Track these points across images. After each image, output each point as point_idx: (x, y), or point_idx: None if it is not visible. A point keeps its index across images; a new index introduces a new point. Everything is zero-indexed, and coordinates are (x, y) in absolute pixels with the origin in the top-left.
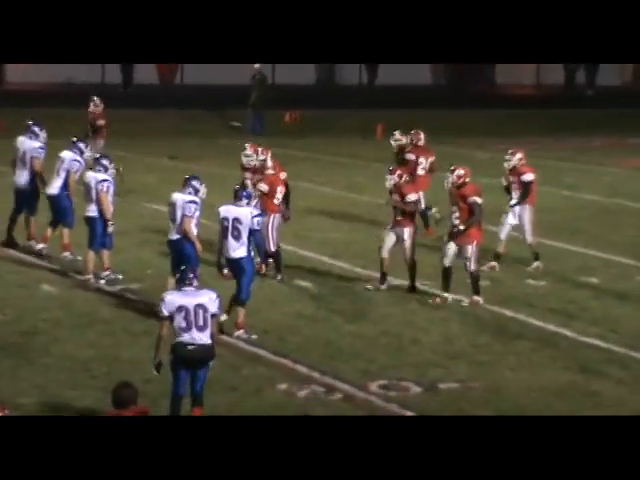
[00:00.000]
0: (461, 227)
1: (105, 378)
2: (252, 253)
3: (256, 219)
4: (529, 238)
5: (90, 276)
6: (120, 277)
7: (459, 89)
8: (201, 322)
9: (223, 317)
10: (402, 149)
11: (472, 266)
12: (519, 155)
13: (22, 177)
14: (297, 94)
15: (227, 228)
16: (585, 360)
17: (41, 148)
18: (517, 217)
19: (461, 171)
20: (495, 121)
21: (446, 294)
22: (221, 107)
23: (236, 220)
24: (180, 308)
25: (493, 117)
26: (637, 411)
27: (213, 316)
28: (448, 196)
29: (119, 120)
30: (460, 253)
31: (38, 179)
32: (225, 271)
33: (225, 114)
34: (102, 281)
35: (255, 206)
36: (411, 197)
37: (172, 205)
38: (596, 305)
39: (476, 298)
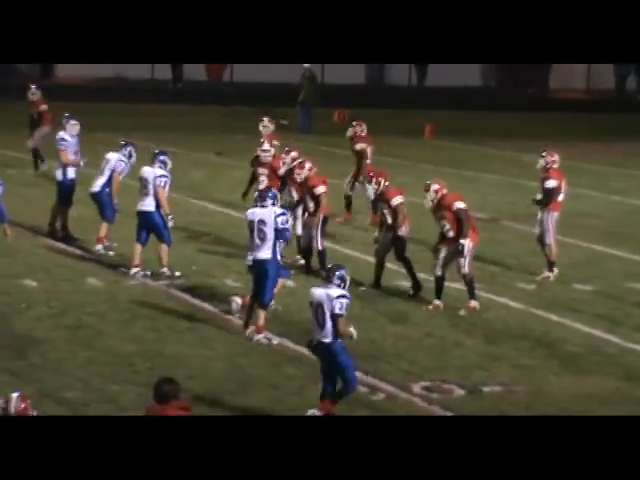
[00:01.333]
0: (462, 241)
1: (148, 373)
2: (279, 256)
3: (280, 218)
4: (548, 242)
5: (137, 269)
6: (178, 274)
7: (509, 91)
8: (321, 320)
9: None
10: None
11: (466, 268)
12: (552, 157)
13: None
14: (346, 93)
15: (252, 230)
16: (630, 367)
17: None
18: (538, 222)
19: (436, 186)
20: (544, 124)
21: (438, 301)
22: (268, 105)
23: (261, 222)
24: (310, 304)
25: (543, 120)
26: None
27: (333, 315)
28: (432, 215)
29: (167, 115)
30: (454, 254)
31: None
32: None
33: (272, 112)
34: (164, 278)
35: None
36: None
37: (143, 179)
38: None
39: (473, 303)
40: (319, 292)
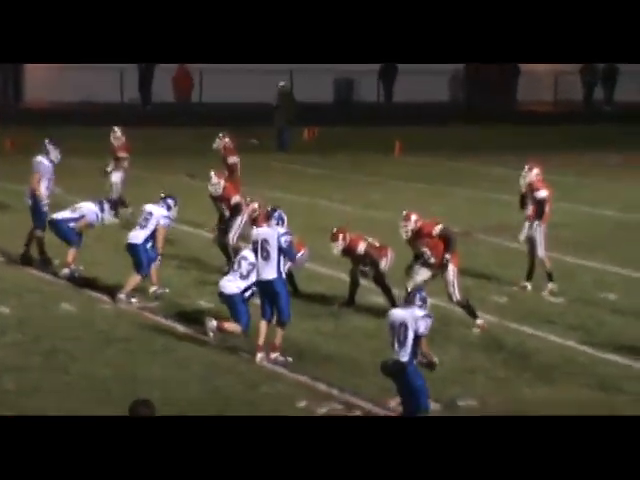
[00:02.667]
0: (447, 256)
1: (123, 397)
2: (283, 274)
3: (283, 238)
4: (541, 254)
5: (123, 296)
6: (166, 290)
7: (477, 105)
8: (402, 339)
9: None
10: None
11: (457, 294)
12: (536, 170)
13: None
14: (315, 111)
15: (257, 250)
16: (604, 376)
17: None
18: (527, 236)
19: (415, 216)
20: (513, 137)
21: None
22: (237, 125)
23: (264, 241)
24: (391, 324)
25: (511, 133)
26: None
27: (417, 335)
28: (410, 245)
29: (137, 138)
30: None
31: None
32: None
33: (241, 131)
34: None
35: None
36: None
37: (146, 213)
38: (614, 321)
39: (479, 322)
40: (402, 312)
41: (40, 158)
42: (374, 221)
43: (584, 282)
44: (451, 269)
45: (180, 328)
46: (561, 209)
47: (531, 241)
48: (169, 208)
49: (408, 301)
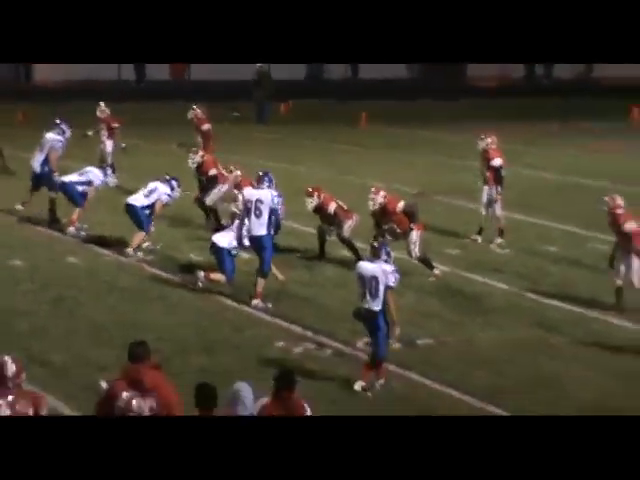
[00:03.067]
0: (412, 226)
1: (122, 338)
2: (272, 231)
3: (276, 199)
4: (499, 213)
5: (131, 250)
6: (158, 247)
7: (432, 81)
8: (374, 291)
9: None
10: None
11: (417, 252)
12: (490, 139)
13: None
14: (289, 88)
15: (250, 209)
16: (545, 319)
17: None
18: (485, 197)
19: (383, 192)
20: (465, 109)
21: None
22: (221, 100)
23: (258, 201)
24: (361, 276)
25: (462, 105)
26: (591, 364)
27: (387, 287)
28: (374, 218)
29: (134, 112)
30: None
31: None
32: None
33: (225, 105)
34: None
35: None
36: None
37: (151, 188)
38: (555, 270)
39: (436, 272)
40: (372, 266)
41: (55, 136)
42: (343, 183)
43: (528, 236)
44: (415, 233)
45: (174, 278)
46: (508, 172)
47: (490, 202)
48: (172, 189)
49: (374, 255)
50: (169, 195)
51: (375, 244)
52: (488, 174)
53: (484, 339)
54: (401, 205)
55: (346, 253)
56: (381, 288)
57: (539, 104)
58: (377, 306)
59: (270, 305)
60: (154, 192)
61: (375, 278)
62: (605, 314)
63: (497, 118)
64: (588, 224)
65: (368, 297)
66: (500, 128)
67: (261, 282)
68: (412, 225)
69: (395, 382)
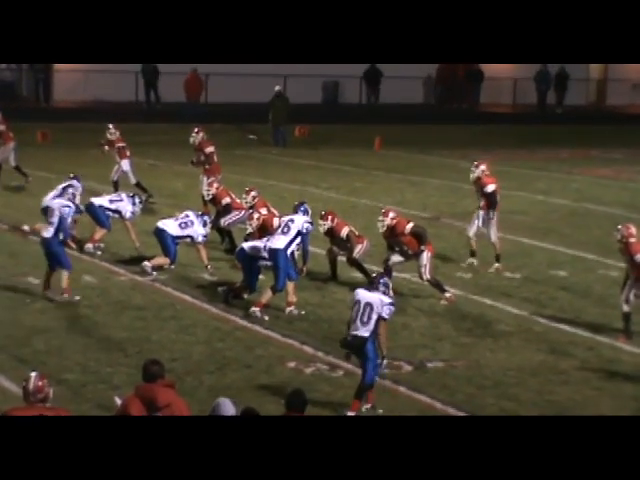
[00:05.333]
0: (422, 247)
1: (137, 357)
2: (289, 250)
3: (306, 225)
4: (494, 238)
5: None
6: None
7: (447, 107)
8: (366, 318)
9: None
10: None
11: (427, 275)
12: (483, 167)
13: None
14: (305, 111)
15: (279, 225)
16: (555, 343)
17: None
18: (482, 222)
19: (393, 213)
20: (477, 135)
21: None
22: (238, 122)
23: (290, 220)
24: (357, 302)
25: (475, 132)
26: (600, 387)
27: (380, 317)
28: (385, 239)
29: (151, 133)
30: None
31: None
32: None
33: (242, 128)
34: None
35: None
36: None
37: (189, 220)
38: (564, 295)
39: (448, 295)
40: (370, 294)
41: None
42: (356, 205)
43: (538, 261)
44: (425, 255)
45: (187, 298)
46: (519, 198)
47: (487, 227)
48: (205, 225)
49: (372, 285)
50: (204, 236)
51: (374, 275)
52: (483, 201)
53: (494, 362)
54: (409, 227)
55: (357, 275)
56: (374, 317)
57: (551, 131)
58: (366, 332)
59: (267, 318)
60: (189, 227)
61: (370, 305)
62: (615, 340)
63: (507, 144)
64: (599, 250)
65: (358, 323)
66: (509, 154)
67: (268, 294)
68: (422, 247)
69: (381, 408)
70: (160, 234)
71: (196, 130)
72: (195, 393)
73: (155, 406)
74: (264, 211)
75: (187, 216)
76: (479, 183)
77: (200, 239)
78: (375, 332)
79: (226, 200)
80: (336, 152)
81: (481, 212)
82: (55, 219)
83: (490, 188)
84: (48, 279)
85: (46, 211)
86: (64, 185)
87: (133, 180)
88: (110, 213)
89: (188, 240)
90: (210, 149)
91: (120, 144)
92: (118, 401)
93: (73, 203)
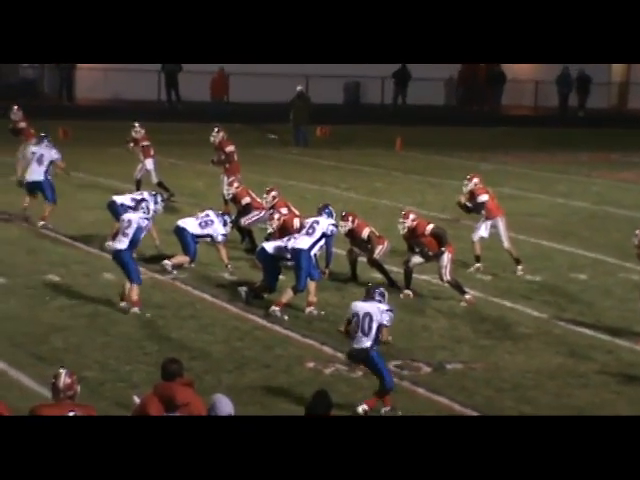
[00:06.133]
0: (443, 249)
1: (156, 355)
2: (313, 251)
3: (331, 227)
4: (506, 244)
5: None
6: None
7: (468, 108)
8: (367, 328)
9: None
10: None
11: (447, 276)
12: (475, 180)
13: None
14: (327, 112)
15: (304, 226)
16: (574, 346)
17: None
18: (489, 230)
19: (413, 215)
20: (498, 137)
21: (407, 290)
22: (259, 122)
23: (315, 222)
24: (355, 315)
25: (496, 134)
26: (619, 391)
27: (381, 325)
28: (406, 241)
29: (173, 132)
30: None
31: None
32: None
33: (263, 127)
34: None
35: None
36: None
37: (209, 220)
38: (584, 298)
39: (467, 297)
40: (367, 305)
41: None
42: (376, 206)
43: (558, 264)
44: (446, 256)
45: (206, 297)
46: (539, 200)
47: (499, 236)
48: (225, 224)
49: (368, 296)
50: (224, 235)
51: (370, 285)
52: (483, 211)
53: (513, 365)
54: (429, 228)
55: (377, 275)
56: (374, 326)
57: (572, 134)
58: (368, 342)
59: (287, 318)
60: (209, 226)
61: (369, 315)
62: (635, 343)
63: (528, 147)
64: (620, 254)
65: (360, 334)
66: (530, 157)
67: (288, 294)
68: (442, 248)
69: (400, 409)
70: (180, 233)
71: (216, 129)
72: (214, 392)
73: (174, 405)
74: (284, 211)
75: (207, 215)
76: (472, 195)
77: (220, 238)
78: (377, 340)
79: (246, 200)
80: (357, 152)
81: (488, 222)
82: (131, 231)
83: (483, 198)
84: (124, 290)
85: (111, 208)
86: (135, 197)
87: (155, 179)
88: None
89: (208, 239)
90: (230, 148)
91: (144, 142)
92: (137, 399)
93: (149, 218)
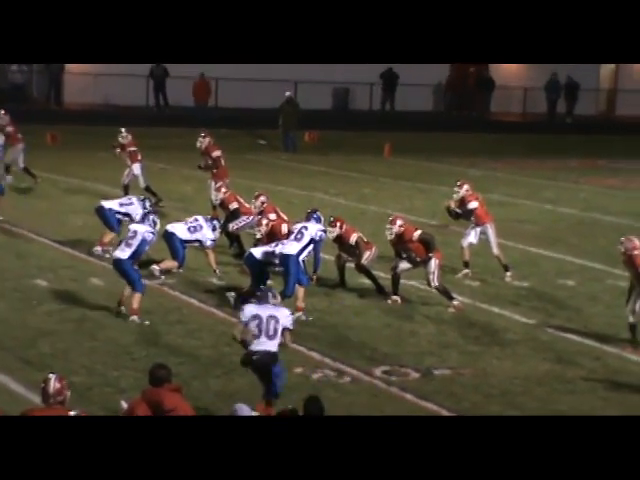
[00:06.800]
0: (430, 254)
1: (144, 361)
2: (301, 257)
3: (320, 233)
4: (495, 251)
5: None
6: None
7: (456, 115)
8: (272, 332)
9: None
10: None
11: (435, 281)
12: (466, 187)
13: None
14: (316, 117)
15: (292, 232)
16: (562, 352)
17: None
18: (478, 236)
19: (400, 221)
20: (487, 143)
21: (395, 296)
22: (248, 127)
23: (304, 227)
24: (256, 317)
25: (485, 140)
26: (606, 397)
27: (285, 329)
28: (393, 247)
29: (161, 137)
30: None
31: None
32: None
33: (252, 133)
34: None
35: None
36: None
37: (199, 225)
38: (572, 304)
39: (455, 303)
40: (270, 307)
41: None
42: (364, 212)
43: (545, 270)
44: (433, 262)
45: (194, 302)
46: (526, 206)
47: (488, 242)
48: (214, 229)
49: (261, 298)
50: (213, 240)
51: (261, 288)
52: (472, 218)
53: (501, 371)
54: (417, 234)
55: (365, 281)
56: (279, 329)
57: (560, 140)
58: (274, 347)
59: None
60: (198, 231)
61: (274, 317)
62: (622, 350)
63: (517, 153)
64: (607, 260)
65: (264, 338)
66: (518, 163)
67: (302, 292)
68: (430, 254)
69: (388, 414)
70: (169, 237)
71: (203, 135)
72: (202, 397)
73: (161, 410)
74: (273, 216)
75: (196, 220)
76: (462, 201)
77: (209, 243)
78: (282, 344)
79: (234, 205)
80: (345, 158)
81: (478, 228)
82: (136, 242)
83: (472, 205)
84: (123, 297)
85: (99, 213)
86: (124, 202)
87: (143, 184)
88: (120, 216)
89: (197, 244)
90: (217, 153)
91: (131, 148)
92: (124, 405)
93: (154, 232)
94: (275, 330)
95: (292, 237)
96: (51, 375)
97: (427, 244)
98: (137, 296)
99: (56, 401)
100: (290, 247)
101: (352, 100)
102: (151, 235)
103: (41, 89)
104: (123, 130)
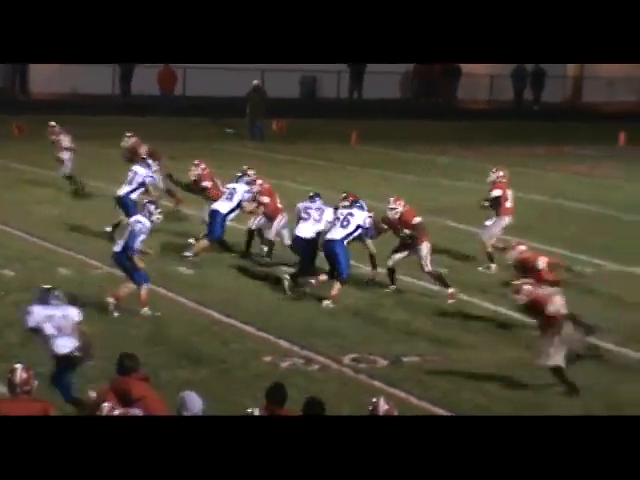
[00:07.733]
0: (420, 243)
1: (111, 350)
2: (345, 242)
3: (368, 220)
4: (485, 239)
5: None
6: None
7: (423, 102)
8: (69, 330)
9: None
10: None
11: (429, 266)
12: (501, 172)
13: None
14: (283, 106)
15: (338, 218)
16: (530, 339)
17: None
18: (499, 226)
19: (402, 201)
20: (454, 131)
21: (393, 286)
22: (215, 116)
23: (350, 214)
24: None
25: (452, 127)
26: (579, 387)
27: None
28: (390, 226)
29: (124, 125)
30: (410, 255)
31: None
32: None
33: (220, 121)
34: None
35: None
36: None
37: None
38: None
39: (451, 291)
40: (59, 306)
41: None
42: (332, 200)
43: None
44: (424, 246)
45: (162, 291)
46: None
47: (483, 227)
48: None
49: (41, 300)
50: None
51: (46, 288)
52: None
53: (470, 358)
54: (415, 220)
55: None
56: (71, 327)
57: (527, 127)
58: (66, 349)
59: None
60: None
61: (66, 317)
62: (596, 338)
63: (484, 140)
64: (575, 246)
65: (64, 337)
66: (485, 150)
67: (337, 286)
68: (421, 239)
69: (355, 402)
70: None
71: (128, 134)
72: (169, 387)
73: (129, 399)
74: (266, 199)
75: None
76: (489, 188)
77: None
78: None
79: (206, 183)
80: (313, 147)
81: (494, 218)
82: (126, 234)
83: (495, 193)
84: (118, 290)
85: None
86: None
87: (68, 171)
88: (135, 195)
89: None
90: (144, 149)
91: (54, 137)
92: (93, 394)
93: (149, 220)
94: (73, 329)
95: (338, 224)
96: (17, 365)
97: (420, 232)
98: (144, 289)
99: (22, 391)
100: (336, 232)
101: (320, 88)
102: (139, 225)
103: (6, 78)
104: (52, 123)
